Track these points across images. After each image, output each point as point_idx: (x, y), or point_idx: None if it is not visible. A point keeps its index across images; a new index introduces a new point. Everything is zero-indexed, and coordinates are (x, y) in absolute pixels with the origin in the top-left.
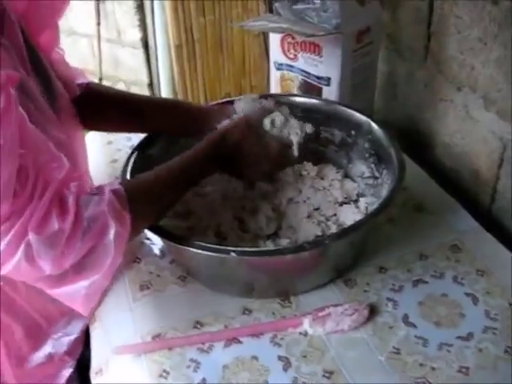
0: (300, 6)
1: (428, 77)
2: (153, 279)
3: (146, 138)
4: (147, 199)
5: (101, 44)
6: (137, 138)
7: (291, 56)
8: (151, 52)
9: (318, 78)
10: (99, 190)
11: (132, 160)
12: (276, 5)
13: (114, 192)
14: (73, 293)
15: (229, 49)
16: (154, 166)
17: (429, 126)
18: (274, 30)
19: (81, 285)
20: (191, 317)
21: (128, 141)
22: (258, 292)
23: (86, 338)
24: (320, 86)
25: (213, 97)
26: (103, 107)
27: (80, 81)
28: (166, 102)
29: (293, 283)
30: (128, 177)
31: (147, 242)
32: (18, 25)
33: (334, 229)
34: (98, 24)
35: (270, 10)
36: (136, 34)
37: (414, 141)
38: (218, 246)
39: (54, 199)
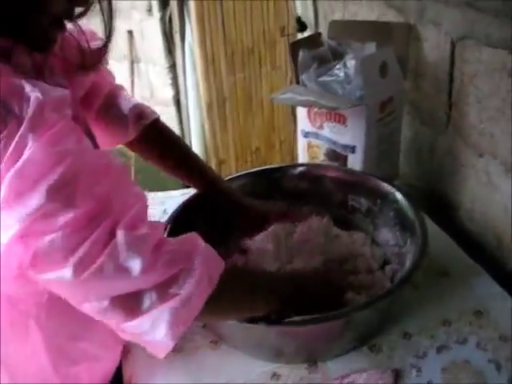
0: (325, 79)
1: (450, 143)
2: (185, 343)
3: (182, 206)
4: (238, 290)
5: None
6: (169, 204)
7: (317, 125)
8: (183, 110)
9: (344, 146)
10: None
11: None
12: (302, 77)
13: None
14: (154, 320)
15: (258, 105)
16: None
17: (452, 191)
18: (302, 104)
19: (163, 308)
20: (223, 380)
21: (161, 205)
22: (286, 358)
23: None
24: (345, 153)
25: (243, 152)
26: (160, 147)
27: (146, 118)
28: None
29: (320, 350)
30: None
31: None
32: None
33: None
34: (132, 83)
35: (297, 81)
36: (168, 93)
37: (437, 205)
38: None
39: (140, 217)
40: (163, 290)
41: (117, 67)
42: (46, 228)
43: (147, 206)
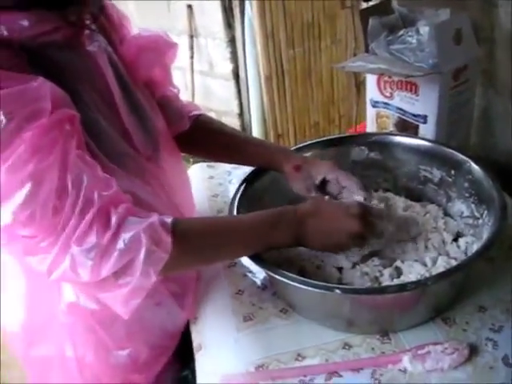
0: (397, 46)
1: None
2: (255, 311)
3: (251, 173)
4: (202, 239)
5: (194, 76)
6: (235, 173)
7: (387, 94)
8: (242, 83)
9: (415, 115)
10: (149, 215)
11: (239, 193)
12: (372, 45)
13: (160, 219)
14: (112, 298)
15: (317, 79)
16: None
17: None
18: (373, 71)
19: (118, 293)
20: (293, 349)
21: (228, 175)
22: (359, 327)
23: None
24: (417, 123)
25: (302, 126)
26: (207, 139)
27: (194, 113)
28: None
29: (393, 320)
30: (235, 211)
31: (249, 274)
32: (114, 70)
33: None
34: (192, 57)
35: (366, 49)
36: (227, 67)
37: (509, 177)
38: (322, 283)
39: (97, 216)
40: (114, 280)
41: (176, 41)
42: (21, 234)
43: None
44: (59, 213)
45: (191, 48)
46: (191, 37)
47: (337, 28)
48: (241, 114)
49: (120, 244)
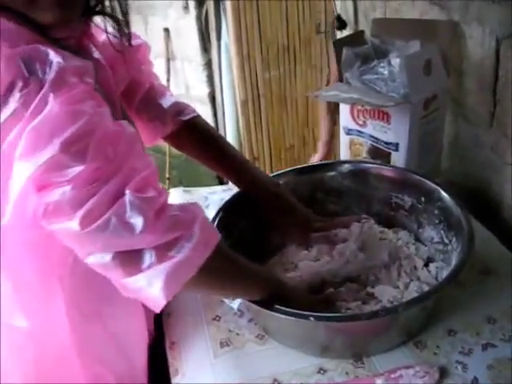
0: (369, 76)
1: (494, 140)
2: (232, 337)
3: (229, 201)
4: (226, 270)
5: None
6: (212, 198)
7: (360, 122)
8: (218, 106)
9: (387, 143)
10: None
11: (216, 220)
12: (346, 74)
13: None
14: (151, 277)
15: (292, 103)
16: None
17: (496, 189)
18: (346, 101)
19: (160, 268)
20: (269, 374)
21: (205, 200)
22: (333, 353)
23: None
24: (389, 151)
25: (277, 149)
26: (202, 143)
27: (187, 114)
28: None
29: (366, 346)
30: None
31: (226, 300)
32: (111, 76)
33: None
34: (168, 80)
35: (340, 79)
36: (204, 90)
37: (480, 202)
38: (297, 311)
39: (152, 177)
40: (162, 251)
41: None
42: (57, 180)
43: (156, 172)
44: (111, 160)
45: (168, 71)
46: (168, 60)
47: (312, 53)
48: None
49: (175, 207)
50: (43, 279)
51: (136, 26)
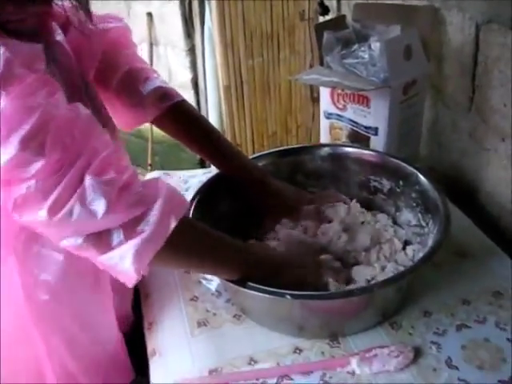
0: (350, 61)
1: (472, 126)
2: (209, 317)
3: (207, 182)
4: (194, 243)
5: None
6: (192, 182)
7: (340, 106)
8: (201, 93)
9: (366, 127)
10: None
11: (195, 202)
12: (327, 58)
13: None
14: (122, 254)
15: (275, 89)
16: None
17: (473, 174)
18: (326, 84)
19: (131, 243)
20: (246, 354)
21: (184, 183)
22: (309, 332)
23: None
24: (368, 135)
25: (259, 136)
26: (187, 127)
27: (172, 99)
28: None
29: (342, 325)
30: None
31: (204, 281)
32: (73, 57)
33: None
34: (151, 65)
35: (321, 63)
36: (186, 76)
37: (458, 187)
38: (273, 289)
39: (113, 158)
40: (129, 228)
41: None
42: (21, 176)
43: (117, 151)
44: (70, 149)
45: (150, 56)
46: (151, 45)
47: (295, 39)
48: None
49: (138, 184)
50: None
51: (119, 10)
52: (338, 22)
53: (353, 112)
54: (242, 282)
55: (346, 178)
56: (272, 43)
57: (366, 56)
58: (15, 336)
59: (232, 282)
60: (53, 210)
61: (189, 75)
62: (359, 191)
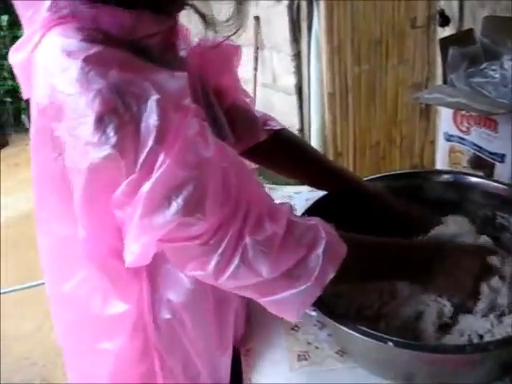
0: (477, 79)
1: None
2: (311, 350)
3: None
4: (369, 252)
5: (256, 88)
6: (297, 200)
7: (464, 129)
8: (304, 98)
9: (492, 153)
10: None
11: None
12: (452, 76)
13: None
14: (283, 300)
15: (381, 98)
16: None
17: None
18: (451, 106)
19: (291, 293)
20: None
21: (289, 200)
22: (418, 382)
23: None
24: (493, 161)
25: (362, 145)
26: (289, 156)
27: (273, 126)
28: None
29: (455, 378)
30: None
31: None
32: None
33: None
34: (255, 69)
35: (444, 80)
36: (291, 80)
37: None
38: (375, 333)
39: (267, 211)
40: (290, 276)
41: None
42: (182, 235)
43: (269, 198)
44: (226, 205)
45: (255, 60)
46: (256, 48)
47: (405, 47)
48: (301, 130)
49: (296, 234)
50: None
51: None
52: (465, 37)
53: (477, 136)
54: (341, 319)
55: (469, 211)
56: (380, 50)
57: (497, 75)
58: (132, 350)
59: (331, 317)
60: (218, 274)
61: (293, 80)
62: (482, 226)
